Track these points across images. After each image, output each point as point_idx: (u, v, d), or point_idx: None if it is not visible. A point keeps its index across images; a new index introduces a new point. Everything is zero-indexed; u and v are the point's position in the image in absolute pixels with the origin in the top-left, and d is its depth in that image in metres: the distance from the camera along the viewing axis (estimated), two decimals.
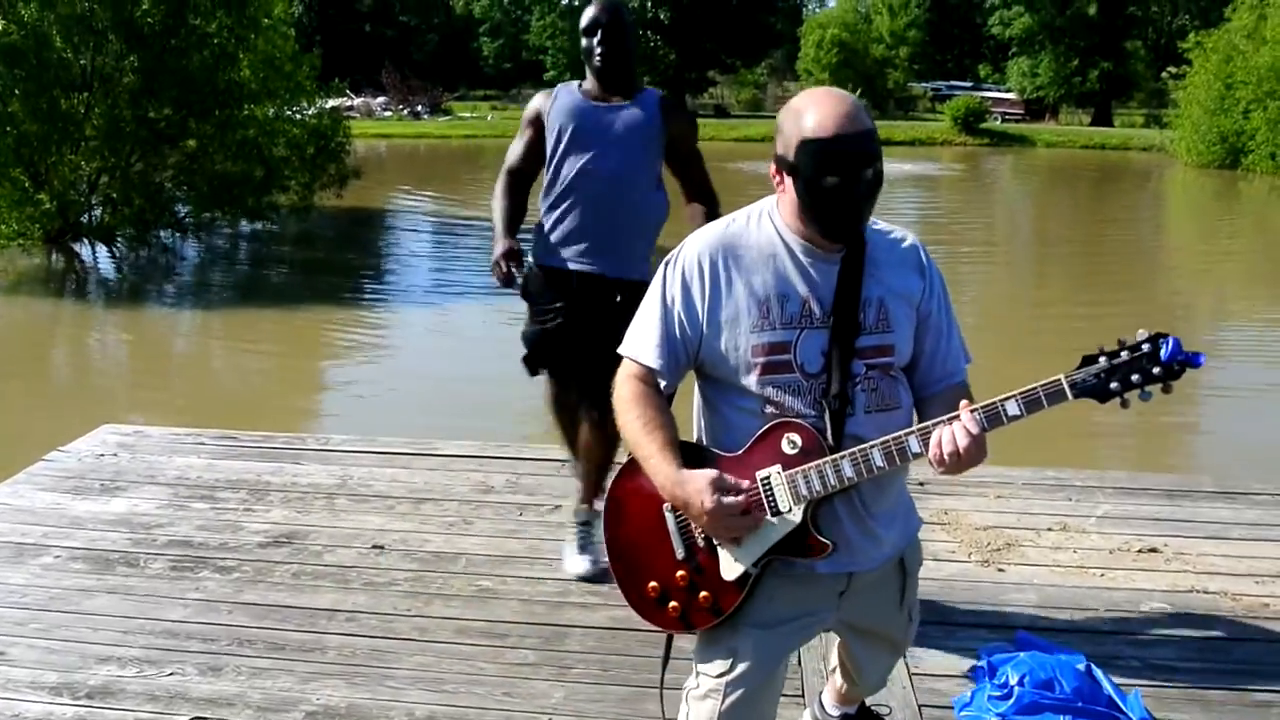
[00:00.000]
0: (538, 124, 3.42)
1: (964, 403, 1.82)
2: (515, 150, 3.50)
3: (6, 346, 10.45)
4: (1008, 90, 46.96)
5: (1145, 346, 1.76)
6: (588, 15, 3.34)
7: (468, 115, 45.07)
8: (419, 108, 44.17)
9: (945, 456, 1.79)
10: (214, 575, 3.48)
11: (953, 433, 1.79)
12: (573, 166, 3.30)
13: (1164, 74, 36.48)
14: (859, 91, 40.53)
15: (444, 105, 46.50)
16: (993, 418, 1.80)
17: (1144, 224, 20.06)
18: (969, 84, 50.35)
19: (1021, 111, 44.44)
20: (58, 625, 3.14)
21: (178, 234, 15.68)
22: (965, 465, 1.80)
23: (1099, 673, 2.77)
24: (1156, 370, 1.75)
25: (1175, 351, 1.74)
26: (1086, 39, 43.43)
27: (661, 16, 47.35)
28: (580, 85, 3.40)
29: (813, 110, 1.82)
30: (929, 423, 1.84)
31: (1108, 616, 3.24)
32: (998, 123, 40.68)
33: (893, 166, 28.32)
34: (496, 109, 49.33)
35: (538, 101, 3.45)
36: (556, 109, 3.36)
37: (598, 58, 3.29)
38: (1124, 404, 1.77)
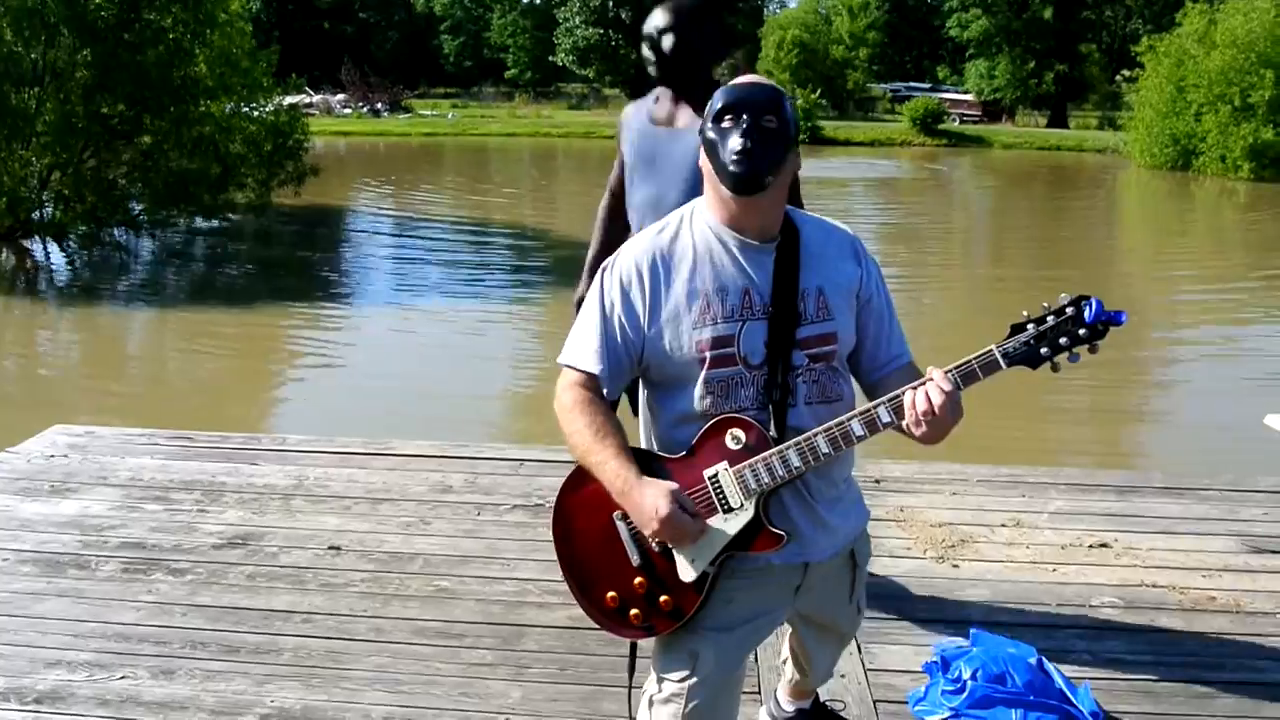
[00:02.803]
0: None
1: (931, 368, 1.84)
2: (614, 171, 3.21)
3: None
4: (965, 92, 47.44)
5: (1069, 310, 1.81)
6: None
7: (428, 113, 44.84)
8: (379, 105, 43.88)
9: (920, 416, 1.80)
10: (167, 577, 3.43)
11: (925, 392, 1.81)
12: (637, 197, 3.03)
13: (1118, 77, 37.05)
14: (819, 92, 40.98)
15: (404, 103, 46.26)
16: (968, 376, 1.82)
17: (1098, 225, 20.32)
18: (927, 85, 50.81)
19: (979, 113, 44.89)
20: (5, 629, 3.08)
21: (132, 232, 15.47)
22: (942, 425, 1.81)
23: (1050, 666, 2.81)
24: (1082, 332, 1.80)
25: (1098, 312, 1.80)
26: (1042, 42, 43.98)
27: (623, 15, 47.31)
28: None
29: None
30: (895, 392, 1.86)
31: (1060, 611, 3.29)
32: (956, 124, 41.08)
33: (852, 168, 28.54)
34: (457, 107, 49.14)
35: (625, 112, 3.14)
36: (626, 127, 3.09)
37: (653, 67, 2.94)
38: (1054, 368, 1.82)
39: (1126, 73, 33.77)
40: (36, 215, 14.41)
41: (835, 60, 50.71)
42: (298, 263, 14.69)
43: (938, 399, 1.79)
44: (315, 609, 3.25)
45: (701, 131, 1.95)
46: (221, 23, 15.77)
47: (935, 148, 36.49)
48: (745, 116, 1.88)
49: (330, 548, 3.66)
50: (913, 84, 51.53)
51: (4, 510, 3.91)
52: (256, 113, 16.61)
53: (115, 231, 15.26)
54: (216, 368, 9.55)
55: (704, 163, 1.95)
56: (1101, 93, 47.46)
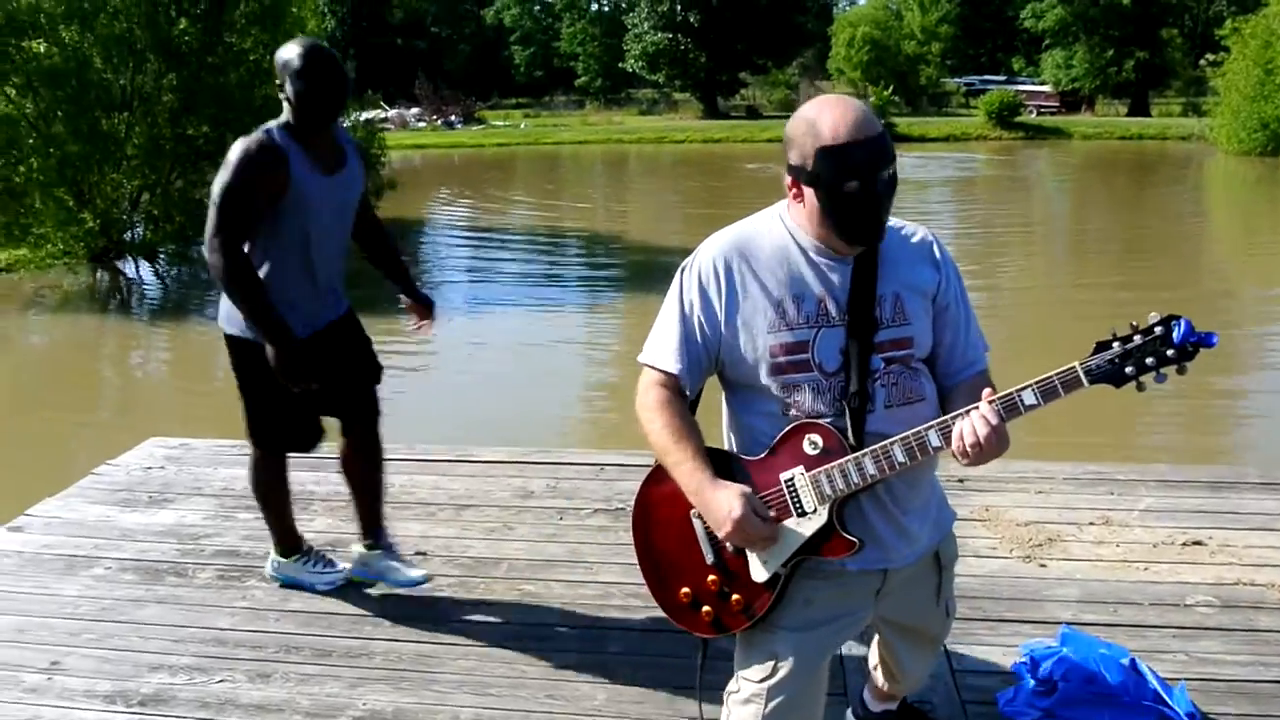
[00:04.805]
0: None
1: (986, 392, 1.82)
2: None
3: (55, 363, 10.66)
4: (1042, 83, 46.45)
5: (1158, 329, 1.76)
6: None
7: (501, 124, 45.34)
8: (452, 118, 44.52)
9: (968, 449, 1.80)
10: (261, 584, 3.53)
11: (972, 424, 1.80)
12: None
13: (1201, 61, 35.96)
14: (891, 89, 40.62)
15: (477, 114, 46.85)
16: (1010, 408, 1.80)
17: (1186, 213, 19.76)
18: (1002, 78, 49.86)
19: (1057, 104, 43.94)
20: (110, 635, 3.21)
21: None
22: (987, 456, 1.80)
23: (1143, 667, 2.75)
24: (1170, 352, 1.74)
25: (1187, 333, 1.73)
26: (1121, 29, 42.83)
27: (691, 19, 47.31)
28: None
29: (826, 119, 1.81)
30: (947, 416, 1.85)
31: (1152, 610, 3.22)
32: (1033, 116, 40.27)
33: (928, 165, 28.16)
34: (529, 116, 49.65)
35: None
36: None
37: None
38: (1140, 388, 1.77)
39: (1211, 56, 32.80)
40: (128, 236, 14.90)
41: (907, 56, 50.03)
42: (377, 275, 14.92)
43: (983, 432, 1.78)
44: (404, 613, 3.31)
45: (808, 171, 1.84)
46: None
47: (1012, 141, 35.80)
48: (868, 174, 1.80)
49: (416, 553, 3.73)
50: (987, 77, 50.62)
51: (106, 520, 4.07)
52: None
53: (203, 249, 15.69)
54: None
55: (807, 196, 1.86)
56: (1184, 78, 46.08)
